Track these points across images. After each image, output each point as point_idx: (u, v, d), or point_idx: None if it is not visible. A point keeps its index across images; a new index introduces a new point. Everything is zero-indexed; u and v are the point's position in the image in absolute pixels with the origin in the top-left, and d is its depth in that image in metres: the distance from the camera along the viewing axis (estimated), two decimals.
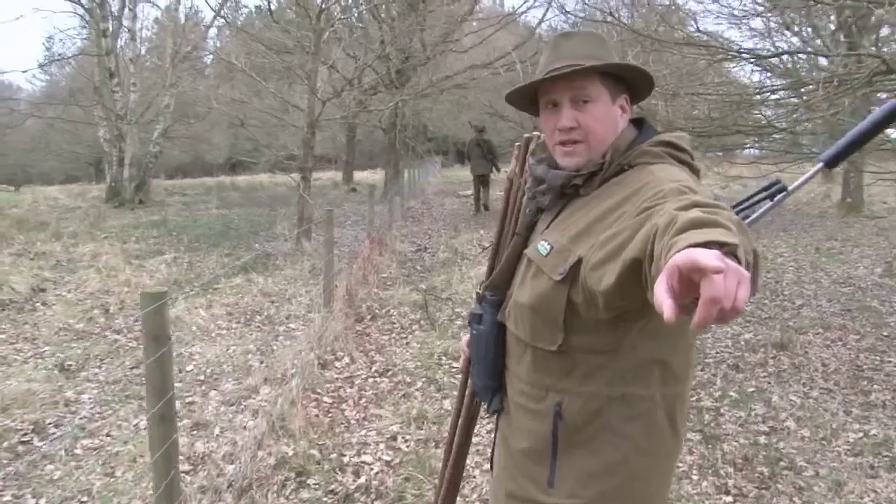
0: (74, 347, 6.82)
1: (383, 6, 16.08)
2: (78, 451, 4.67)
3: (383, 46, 14.00)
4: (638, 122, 1.76)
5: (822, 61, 9.63)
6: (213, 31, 27.35)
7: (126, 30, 21.04)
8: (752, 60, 6.15)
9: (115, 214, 17.82)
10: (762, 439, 4.58)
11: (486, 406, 1.93)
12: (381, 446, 4.57)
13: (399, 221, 15.42)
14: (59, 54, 24.35)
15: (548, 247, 1.63)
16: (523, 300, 1.68)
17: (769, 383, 5.53)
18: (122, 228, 14.95)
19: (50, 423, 5.12)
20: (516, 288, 1.76)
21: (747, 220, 1.56)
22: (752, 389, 5.40)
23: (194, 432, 4.81)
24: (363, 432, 4.78)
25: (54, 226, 14.60)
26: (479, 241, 12.36)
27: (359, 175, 33.10)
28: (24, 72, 49.42)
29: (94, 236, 13.65)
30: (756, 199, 1.67)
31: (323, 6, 11.85)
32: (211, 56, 18.71)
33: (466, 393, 2.11)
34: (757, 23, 8.89)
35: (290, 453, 4.32)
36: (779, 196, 1.64)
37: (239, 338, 7.06)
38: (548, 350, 1.62)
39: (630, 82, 1.71)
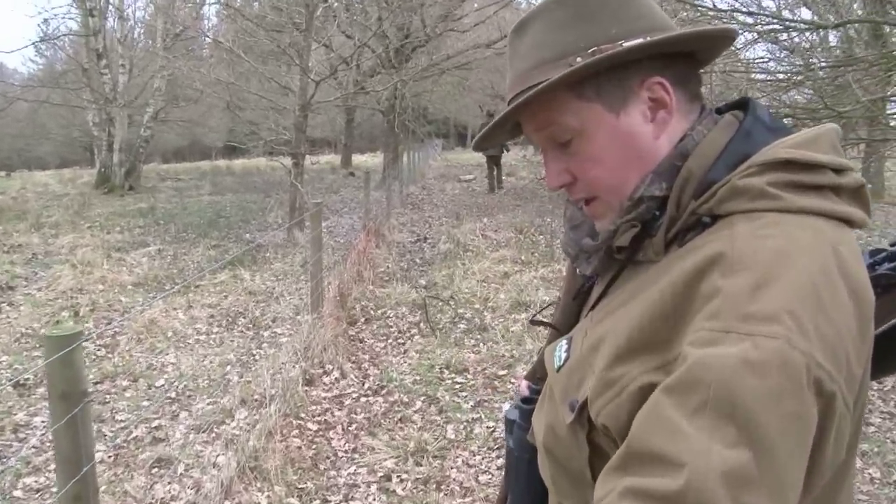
0: (36, 357, 6.11)
1: None
2: (18, 494, 3.98)
3: (380, 24, 13.16)
4: (740, 106, 1.01)
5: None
6: (211, 11, 26.57)
7: (114, 9, 20.18)
8: (808, 30, 5.35)
9: (103, 201, 17.07)
10: None
11: None
12: (373, 488, 3.87)
13: (398, 209, 14.67)
14: (47, 35, 23.39)
15: (564, 354, 1.03)
16: (538, 432, 1.09)
17: None
18: (107, 217, 14.22)
19: None
20: (538, 404, 1.13)
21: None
22: None
23: (154, 470, 4.12)
24: (352, 469, 4.08)
25: (36, 215, 13.87)
26: (483, 230, 11.61)
27: (358, 159, 32.40)
28: (8, 52, 48.25)
29: (77, 226, 12.93)
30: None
31: None
32: (203, 38, 17.80)
33: None
34: None
35: (264, 502, 3.62)
36: None
37: (219, 345, 6.36)
38: None
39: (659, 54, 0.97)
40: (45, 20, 54.23)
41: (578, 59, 0.94)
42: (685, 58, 0.99)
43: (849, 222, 0.87)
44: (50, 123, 33.74)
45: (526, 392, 1.26)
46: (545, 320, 1.25)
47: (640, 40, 0.93)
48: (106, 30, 20.40)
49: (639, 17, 0.96)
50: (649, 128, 0.97)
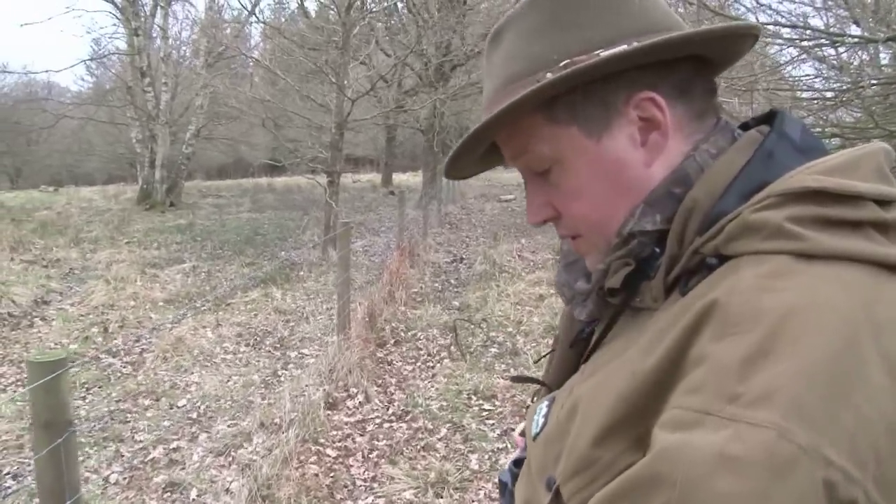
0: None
1: (422, 2, 15.22)
2: None
3: (419, 42, 13.11)
4: (768, 119, 0.82)
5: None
6: (254, 31, 26.90)
7: (158, 28, 20.49)
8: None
9: (143, 217, 17.22)
10: None
11: None
12: None
13: (435, 228, 14.53)
14: (94, 54, 23.89)
15: (542, 419, 0.86)
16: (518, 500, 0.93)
17: None
18: (146, 233, 14.31)
19: (7, 474, 4.35)
20: (522, 471, 0.96)
21: None
22: None
23: (167, 495, 3.99)
24: (370, 500, 3.91)
25: (75, 230, 14.00)
26: (520, 251, 11.41)
27: (400, 177, 32.44)
28: (57, 71, 49.62)
29: (115, 241, 13.02)
30: None
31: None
32: (245, 57, 17.90)
33: None
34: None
35: None
36: None
37: (245, 364, 6.25)
38: None
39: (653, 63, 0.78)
40: (96, 40, 55.63)
41: (548, 75, 0.77)
42: (694, 62, 0.80)
43: (892, 267, 0.65)
44: (96, 140, 34.40)
45: (519, 452, 1.08)
46: (531, 376, 1.06)
47: (621, 48, 0.75)
48: (150, 49, 20.71)
49: (627, 16, 0.78)
50: (639, 154, 0.79)
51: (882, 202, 0.67)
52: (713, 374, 0.59)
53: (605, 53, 0.75)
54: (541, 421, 0.84)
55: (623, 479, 0.61)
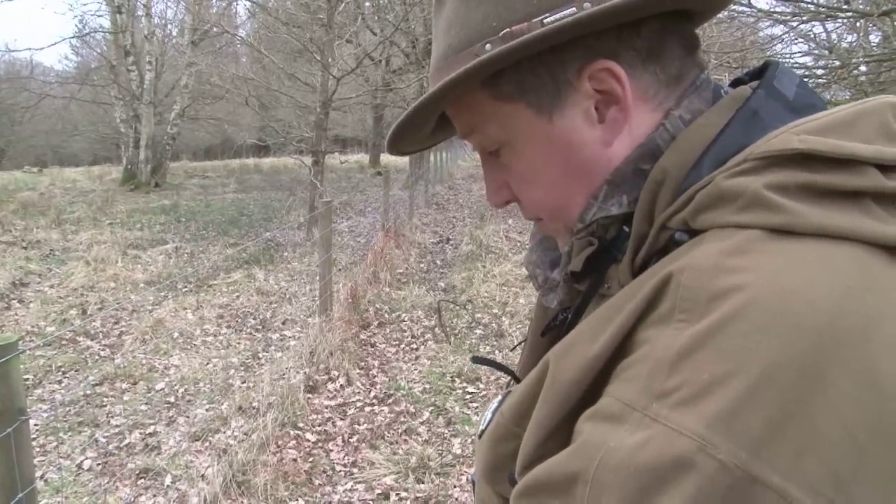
0: (39, 357, 5.94)
1: None
2: None
3: (407, 19, 12.93)
4: (760, 74, 0.69)
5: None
6: (241, 9, 26.56)
7: (142, 5, 20.14)
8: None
9: (127, 198, 17.02)
10: None
11: None
12: None
13: (422, 209, 14.41)
14: (78, 32, 23.51)
15: (489, 415, 0.78)
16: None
17: None
18: (129, 214, 14.13)
19: None
20: None
21: None
22: None
23: (141, 481, 3.89)
24: (349, 485, 3.82)
25: (57, 211, 13.81)
26: (507, 232, 11.31)
27: (388, 158, 32.24)
28: (39, 49, 48.90)
29: (98, 223, 12.85)
30: None
31: None
32: (230, 35, 17.63)
33: None
34: None
35: None
36: None
37: (225, 347, 6.14)
38: None
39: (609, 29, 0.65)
40: (81, 19, 54.96)
41: (487, 47, 0.66)
42: (665, 17, 0.66)
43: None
44: (81, 120, 34.01)
45: None
46: (493, 360, 0.96)
47: (569, 12, 0.62)
48: (135, 27, 20.39)
49: None
50: (597, 132, 0.67)
51: (887, 168, 0.56)
52: (648, 364, 0.51)
53: (549, 20, 0.63)
54: (488, 417, 0.75)
55: (544, 469, 0.56)
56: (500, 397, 0.78)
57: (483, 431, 0.75)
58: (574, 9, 0.62)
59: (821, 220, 0.52)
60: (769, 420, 0.45)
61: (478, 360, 0.96)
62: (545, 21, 0.63)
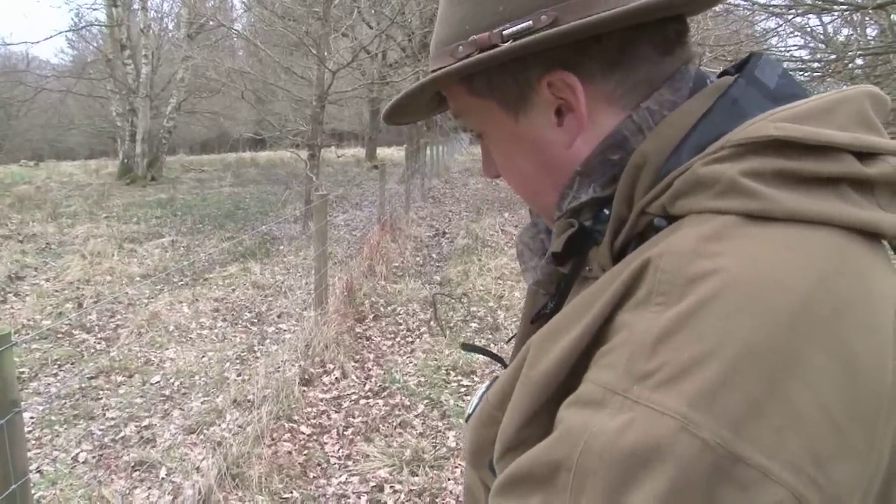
0: (35, 350, 5.94)
1: None
2: None
3: (403, 13, 12.91)
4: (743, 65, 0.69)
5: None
6: (237, 1, 26.50)
7: None
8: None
9: (124, 192, 17.00)
10: None
11: None
12: (364, 500, 3.61)
13: (418, 202, 14.41)
14: (75, 25, 23.44)
15: (477, 399, 0.85)
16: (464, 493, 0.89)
17: None
18: (125, 207, 14.11)
19: None
20: None
21: None
22: None
23: (136, 474, 3.89)
24: (343, 477, 3.83)
25: (54, 204, 13.79)
26: (503, 225, 11.31)
27: (385, 152, 32.23)
28: (34, 42, 48.77)
29: (94, 216, 12.83)
30: None
31: None
32: (226, 28, 17.60)
33: None
34: None
35: None
36: None
37: (221, 340, 6.14)
38: None
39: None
40: (77, 12, 54.82)
41: (460, 49, 0.69)
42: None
43: (875, 235, 0.56)
44: (77, 114, 33.95)
45: None
46: (482, 347, 0.97)
47: (524, 25, 0.65)
48: (131, 21, 20.34)
49: None
50: (558, 134, 0.70)
51: (864, 155, 0.57)
52: (628, 348, 0.52)
53: (508, 32, 0.66)
54: (475, 401, 0.76)
55: (525, 459, 0.56)
56: (487, 382, 0.79)
57: (470, 416, 0.76)
58: (531, 22, 0.65)
59: (796, 206, 0.54)
60: (749, 398, 0.46)
61: (468, 347, 0.98)
62: (504, 33, 0.66)
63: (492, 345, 5.85)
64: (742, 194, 0.55)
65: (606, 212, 0.67)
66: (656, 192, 0.61)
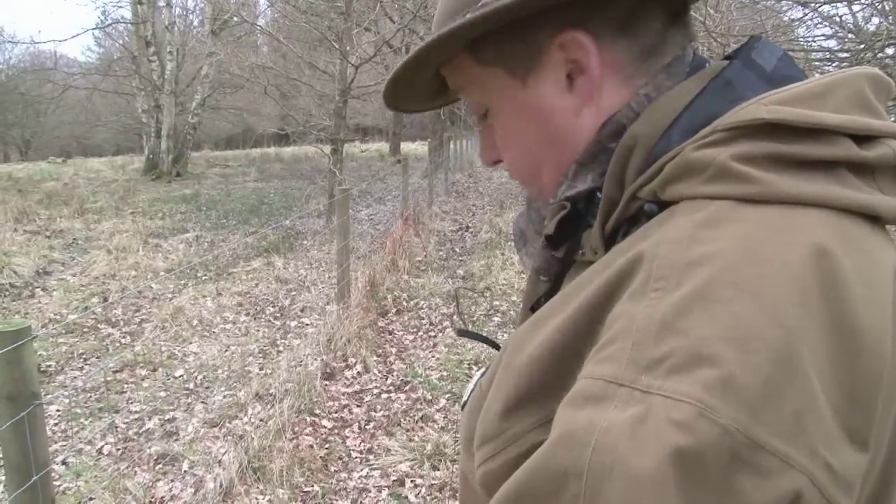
0: (61, 343, 6.00)
1: None
2: None
3: (425, 6, 12.88)
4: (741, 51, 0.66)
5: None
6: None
7: None
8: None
9: (149, 188, 17.17)
10: None
11: None
12: (384, 494, 3.61)
13: (441, 197, 14.40)
14: (101, 23, 23.71)
15: (472, 385, 0.80)
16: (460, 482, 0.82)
17: None
18: (151, 203, 14.24)
19: None
20: None
21: None
22: None
23: (159, 466, 3.92)
24: (364, 471, 3.82)
25: (80, 200, 13.94)
26: None
27: (408, 146, 32.28)
28: (62, 41, 49.31)
29: (120, 212, 12.96)
30: None
31: None
32: (250, 24, 17.70)
33: None
34: None
35: None
36: None
37: (244, 334, 6.17)
38: None
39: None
40: (103, 10, 55.39)
41: (468, 16, 0.66)
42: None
43: (872, 218, 0.55)
44: (104, 111, 34.32)
45: None
46: (478, 333, 0.96)
47: None
48: (155, 18, 20.51)
49: None
50: (568, 100, 0.67)
51: (864, 138, 0.55)
52: (629, 337, 0.49)
53: None
54: (470, 388, 0.75)
55: (525, 471, 0.51)
56: (482, 369, 0.77)
57: (465, 403, 0.74)
58: None
59: (790, 189, 0.52)
60: (764, 381, 0.44)
61: (463, 332, 0.97)
62: None
63: None
64: (734, 179, 0.53)
65: (599, 195, 0.65)
66: (647, 177, 0.59)
